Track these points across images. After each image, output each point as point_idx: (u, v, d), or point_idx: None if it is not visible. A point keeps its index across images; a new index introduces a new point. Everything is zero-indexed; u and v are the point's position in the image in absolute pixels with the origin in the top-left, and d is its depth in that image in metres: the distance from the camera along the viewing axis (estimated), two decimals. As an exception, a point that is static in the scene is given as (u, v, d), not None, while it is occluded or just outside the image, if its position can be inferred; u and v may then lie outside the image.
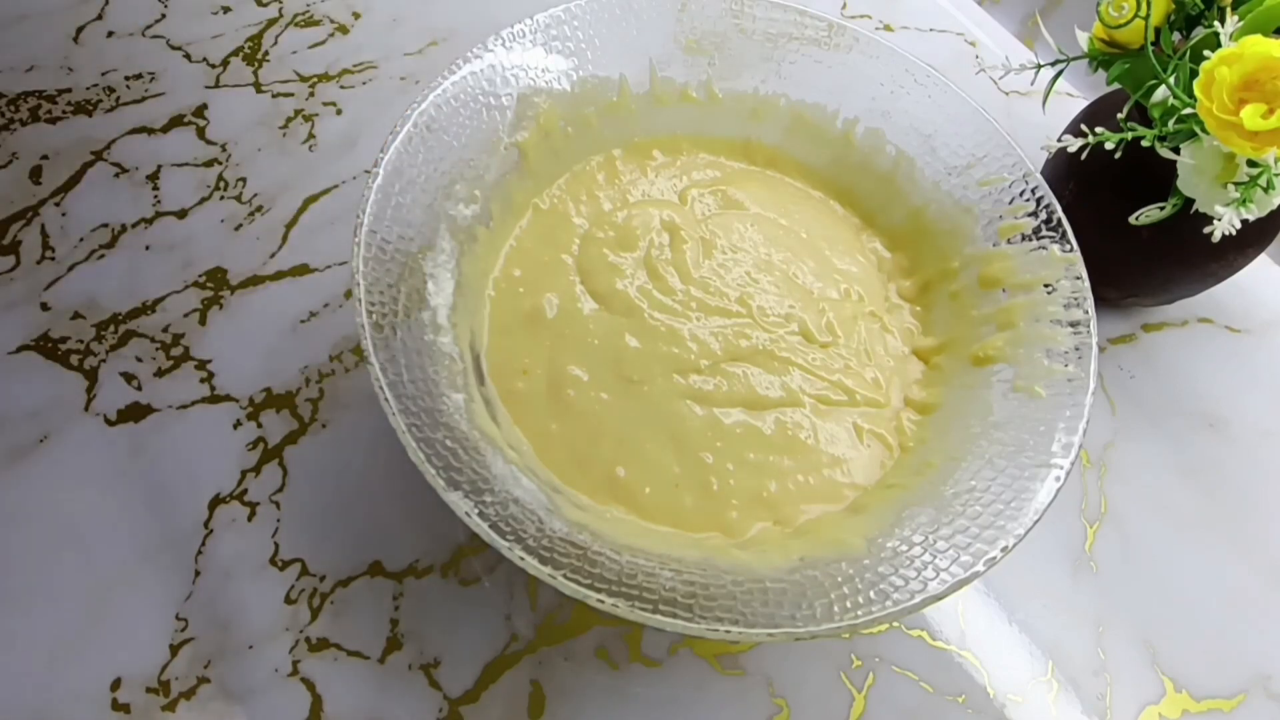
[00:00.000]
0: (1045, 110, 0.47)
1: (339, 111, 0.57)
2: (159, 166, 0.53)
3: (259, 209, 0.51)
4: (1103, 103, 0.49)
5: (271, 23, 0.62)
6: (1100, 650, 0.42)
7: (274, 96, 0.57)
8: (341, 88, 0.58)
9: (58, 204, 0.51)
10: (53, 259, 0.48)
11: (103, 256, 0.49)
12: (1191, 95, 0.37)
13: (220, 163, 0.53)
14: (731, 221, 0.47)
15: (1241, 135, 0.35)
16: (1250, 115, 0.34)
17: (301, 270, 0.49)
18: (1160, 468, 0.48)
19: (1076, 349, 0.39)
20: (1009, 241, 0.43)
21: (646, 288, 0.44)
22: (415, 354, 0.36)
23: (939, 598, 0.32)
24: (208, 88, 0.57)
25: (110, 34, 0.59)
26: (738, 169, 0.50)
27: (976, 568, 0.32)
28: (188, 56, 0.59)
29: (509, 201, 0.45)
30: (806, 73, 0.48)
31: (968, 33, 0.69)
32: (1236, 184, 0.38)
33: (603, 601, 0.29)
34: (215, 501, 0.42)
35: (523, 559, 0.30)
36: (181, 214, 0.51)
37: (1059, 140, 0.42)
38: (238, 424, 0.44)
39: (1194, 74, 0.37)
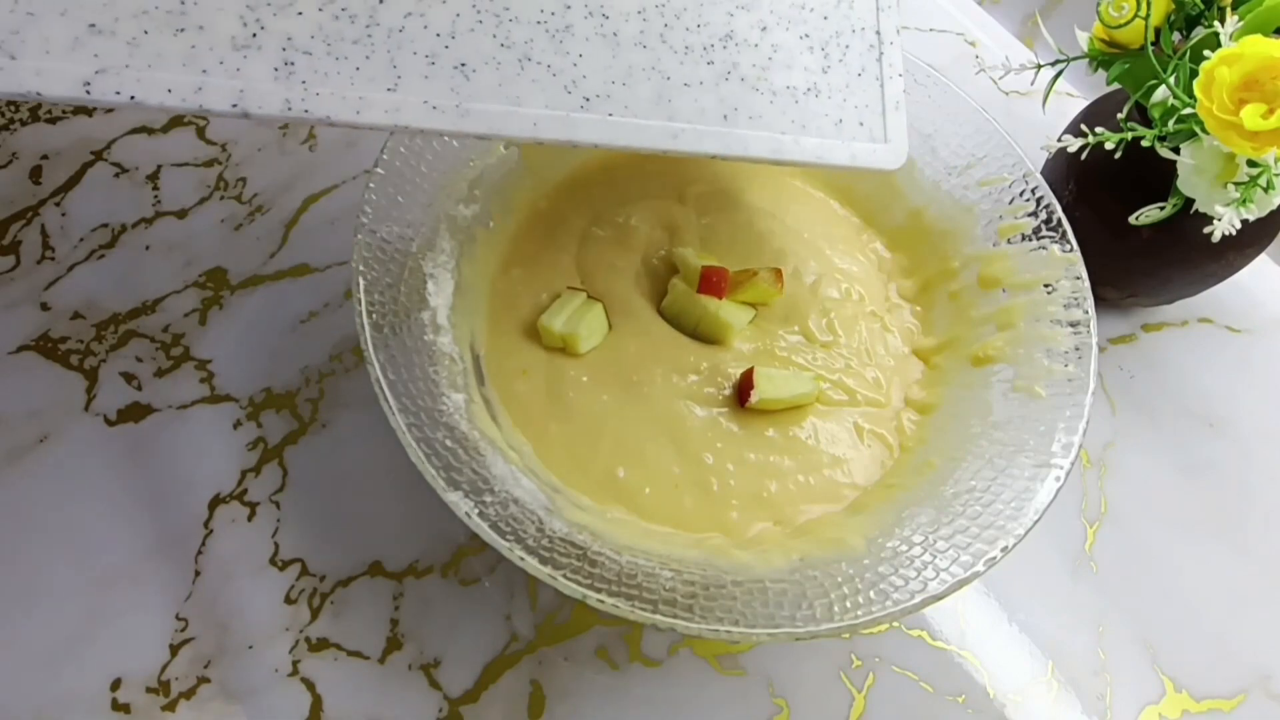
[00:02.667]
0: (1045, 110, 0.47)
1: (339, 111, 0.57)
2: (159, 166, 0.53)
3: (259, 209, 0.51)
4: (1103, 103, 0.49)
5: (271, 23, 0.61)
6: (1100, 650, 0.42)
7: (274, 96, 0.57)
8: (341, 88, 0.58)
9: (58, 204, 0.51)
10: (53, 259, 0.48)
11: (103, 256, 0.49)
12: (1191, 95, 0.37)
13: (220, 163, 0.53)
14: (731, 221, 0.47)
15: (1241, 135, 0.35)
16: (1250, 115, 0.34)
17: (301, 270, 0.49)
18: (1160, 468, 0.48)
19: (1076, 349, 0.39)
20: (1009, 241, 0.43)
21: (646, 288, 0.44)
22: (415, 354, 0.36)
23: (939, 598, 0.32)
24: (208, 88, 0.57)
25: (110, 34, 0.59)
26: (738, 169, 0.50)
27: (976, 568, 0.32)
28: (188, 56, 0.59)
29: (509, 201, 0.45)
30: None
31: (968, 33, 0.69)
32: (1236, 184, 0.38)
33: (603, 601, 0.30)
34: (215, 501, 0.42)
35: (523, 559, 0.30)
36: (181, 214, 0.51)
37: (1059, 140, 0.42)
38: (238, 424, 0.44)
39: (1194, 74, 0.37)
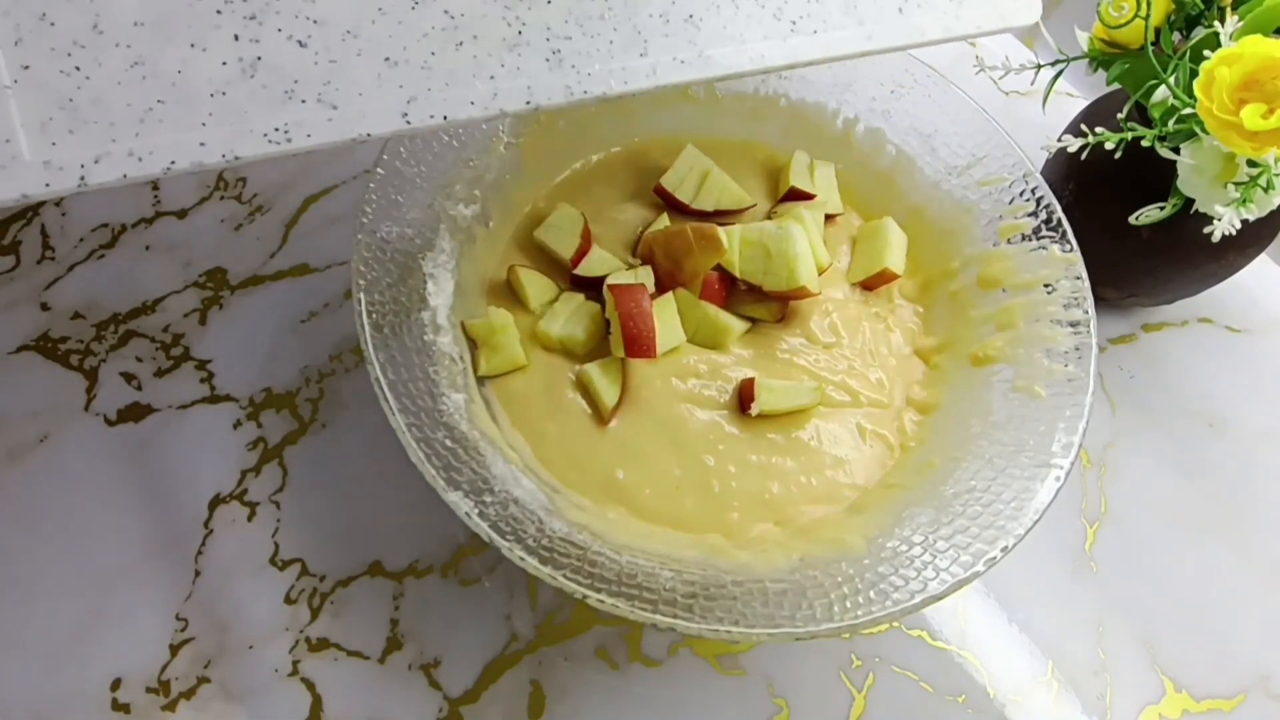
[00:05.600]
0: (1045, 110, 0.47)
1: (339, 111, 0.57)
2: (159, 166, 0.53)
3: (259, 209, 0.51)
4: (1103, 103, 0.49)
5: (271, 23, 0.61)
6: (1100, 650, 0.42)
7: (274, 96, 0.57)
8: (341, 88, 0.58)
9: (58, 204, 0.50)
10: (53, 259, 0.48)
11: (103, 256, 0.49)
12: (1191, 95, 0.37)
13: (220, 163, 0.53)
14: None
15: (1241, 135, 0.35)
16: (1250, 115, 0.34)
17: (301, 270, 0.49)
18: (1160, 468, 0.48)
19: (1076, 349, 0.39)
20: (1009, 241, 0.43)
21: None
22: (415, 354, 0.36)
23: (939, 598, 0.32)
24: (208, 88, 0.57)
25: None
26: (737, 166, 0.50)
27: (976, 568, 0.32)
28: (188, 56, 0.59)
29: (508, 201, 0.45)
30: (807, 72, 0.48)
31: (968, 33, 0.69)
32: (1236, 184, 0.38)
33: (603, 601, 0.30)
34: (215, 501, 0.42)
35: (523, 559, 0.30)
36: (181, 214, 0.51)
37: (1059, 140, 0.42)
38: (238, 424, 0.44)
39: (1194, 74, 0.37)
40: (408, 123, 0.28)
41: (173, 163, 0.25)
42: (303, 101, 0.27)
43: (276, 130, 0.26)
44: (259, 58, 0.26)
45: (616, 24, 0.31)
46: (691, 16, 0.32)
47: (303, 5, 0.27)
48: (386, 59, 0.28)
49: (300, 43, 0.27)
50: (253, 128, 0.26)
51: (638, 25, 0.32)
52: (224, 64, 0.26)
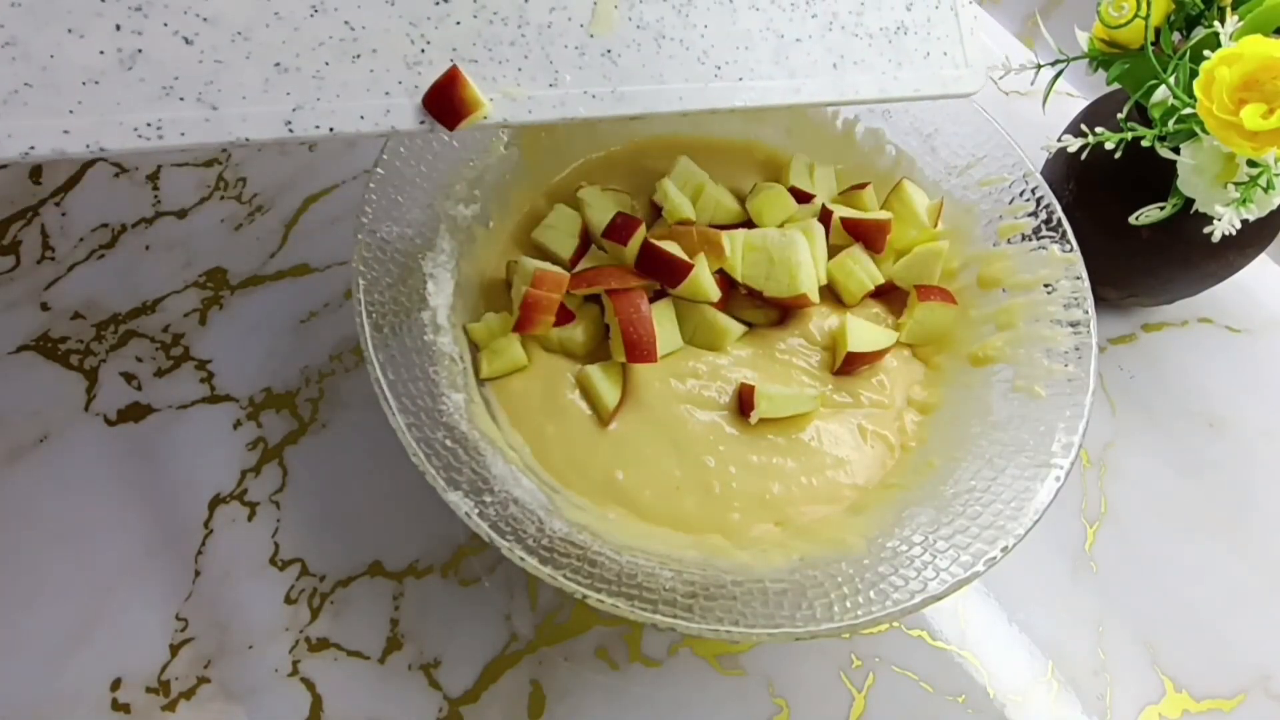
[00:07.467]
0: (1045, 110, 0.47)
1: (339, 111, 0.57)
2: (159, 166, 0.53)
3: (259, 209, 0.51)
4: (1103, 103, 0.49)
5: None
6: (1100, 650, 0.42)
7: (274, 96, 0.57)
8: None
9: (58, 204, 0.51)
10: (53, 259, 0.48)
11: (103, 256, 0.49)
12: (1191, 95, 0.37)
13: (220, 163, 0.53)
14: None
15: (1241, 135, 0.35)
16: (1250, 115, 0.34)
17: (301, 270, 0.49)
18: (1160, 468, 0.48)
19: (1076, 349, 0.39)
20: (1009, 241, 0.43)
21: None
22: (415, 354, 0.36)
23: (939, 598, 0.32)
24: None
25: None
26: (738, 167, 0.50)
27: (976, 568, 0.32)
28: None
29: (509, 201, 0.45)
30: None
31: (968, 33, 0.69)
32: (1236, 184, 0.38)
33: (603, 601, 0.30)
34: (215, 501, 0.42)
35: (523, 559, 0.30)
36: (181, 214, 0.51)
37: (1059, 140, 0.42)
38: (238, 424, 0.44)
39: (1194, 74, 0.37)
40: (290, 131, 0.28)
41: (31, 148, 0.25)
42: (181, 99, 0.26)
43: (149, 125, 0.26)
44: (140, 50, 0.26)
45: (528, 51, 0.30)
46: (609, 51, 0.32)
47: (193, 2, 0.26)
48: (277, 64, 0.27)
49: (186, 39, 0.26)
50: (123, 120, 0.26)
51: (550, 54, 0.31)
52: (101, 53, 0.26)
